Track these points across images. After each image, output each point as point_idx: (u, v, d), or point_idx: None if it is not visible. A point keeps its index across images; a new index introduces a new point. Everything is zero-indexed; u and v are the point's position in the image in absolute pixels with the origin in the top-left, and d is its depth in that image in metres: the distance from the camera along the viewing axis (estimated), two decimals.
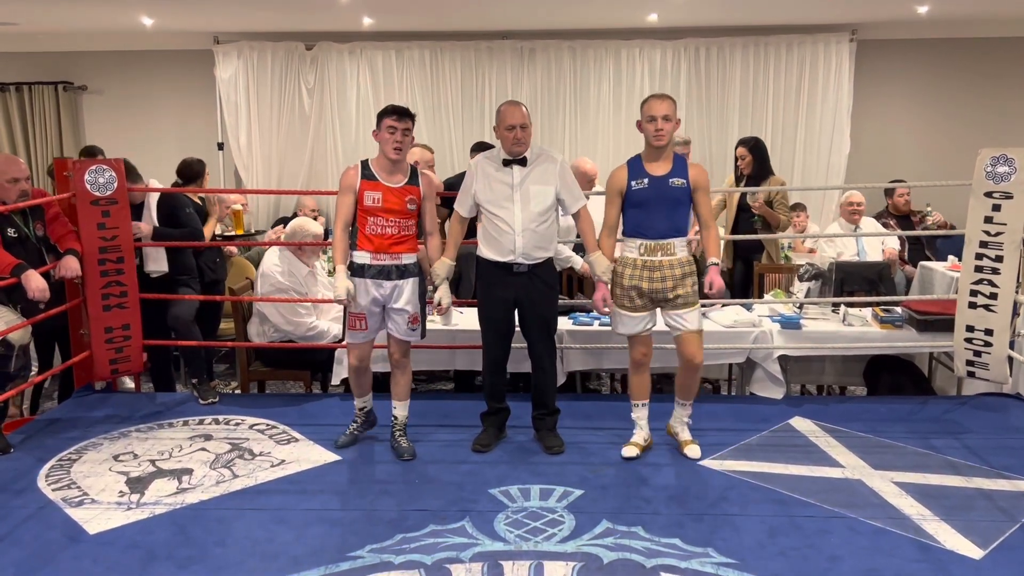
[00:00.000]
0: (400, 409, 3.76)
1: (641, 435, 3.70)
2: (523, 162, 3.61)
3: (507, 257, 3.61)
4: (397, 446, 3.70)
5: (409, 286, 3.58)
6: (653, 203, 3.46)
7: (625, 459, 3.60)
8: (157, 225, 4.52)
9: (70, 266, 4.05)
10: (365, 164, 3.57)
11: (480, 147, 6.58)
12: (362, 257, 3.54)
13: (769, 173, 5.54)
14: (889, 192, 6.22)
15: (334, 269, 3.68)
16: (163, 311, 4.59)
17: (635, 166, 3.53)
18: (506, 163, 3.62)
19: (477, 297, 3.84)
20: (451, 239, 3.74)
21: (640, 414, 3.71)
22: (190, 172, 5.30)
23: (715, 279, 3.45)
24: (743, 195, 5.43)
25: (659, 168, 3.49)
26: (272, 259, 4.68)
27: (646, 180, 3.47)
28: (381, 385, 3.99)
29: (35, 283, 3.71)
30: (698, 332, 3.53)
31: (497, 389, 3.86)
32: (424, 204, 3.62)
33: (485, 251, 3.67)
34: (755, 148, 5.57)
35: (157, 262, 4.53)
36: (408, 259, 3.58)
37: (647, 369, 3.67)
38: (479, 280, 3.80)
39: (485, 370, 3.84)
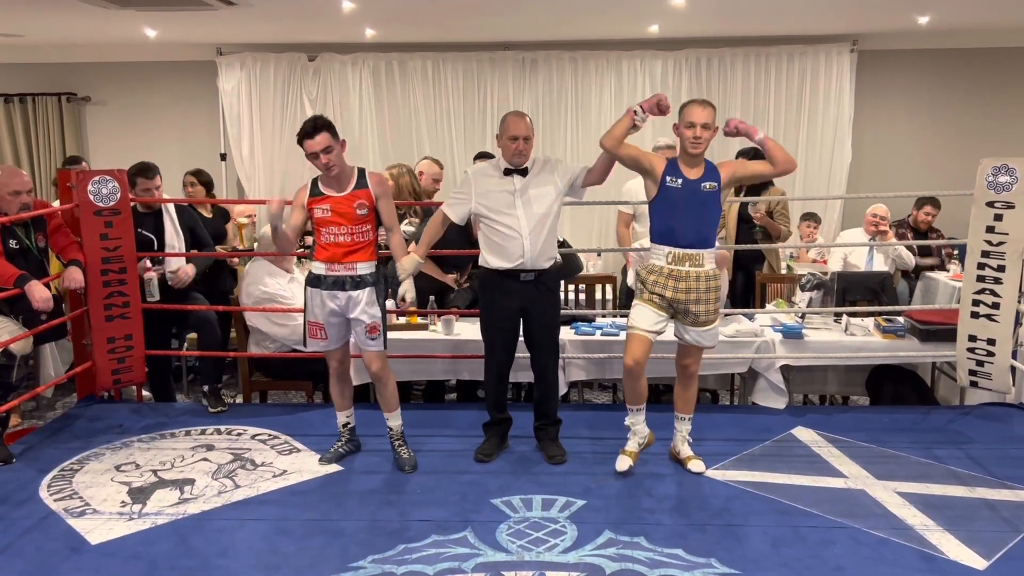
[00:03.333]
0: (393, 420, 3.71)
1: (635, 441, 3.63)
2: (524, 172, 3.63)
3: (516, 263, 3.57)
4: (398, 458, 3.69)
5: (364, 296, 3.51)
6: (683, 207, 3.38)
7: (618, 473, 3.53)
8: (183, 234, 4.61)
9: (74, 278, 4.06)
10: (315, 181, 3.54)
11: (483, 157, 6.61)
12: (318, 268, 3.52)
13: (768, 184, 5.55)
14: (919, 204, 6.21)
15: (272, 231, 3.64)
16: (171, 322, 4.60)
17: (672, 165, 3.43)
18: (507, 172, 3.62)
19: (480, 306, 3.78)
20: (425, 237, 3.69)
21: (633, 419, 3.60)
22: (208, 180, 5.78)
23: (734, 119, 3.50)
24: (744, 206, 5.43)
25: (693, 173, 3.41)
26: (252, 272, 4.65)
27: (680, 181, 3.39)
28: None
29: (39, 294, 3.72)
30: (710, 348, 3.56)
31: (501, 399, 3.84)
32: (378, 204, 3.54)
33: (490, 259, 3.64)
34: (755, 159, 5.57)
35: (185, 274, 4.56)
36: (363, 268, 3.51)
37: (640, 375, 3.54)
38: (483, 290, 3.75)
39: (489, 380, 3.81)
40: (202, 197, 5.77)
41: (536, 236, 3.58)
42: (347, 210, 3.46)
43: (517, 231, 3.56)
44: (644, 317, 3.45)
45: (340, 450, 3.77)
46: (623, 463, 3.56)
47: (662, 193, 3.41)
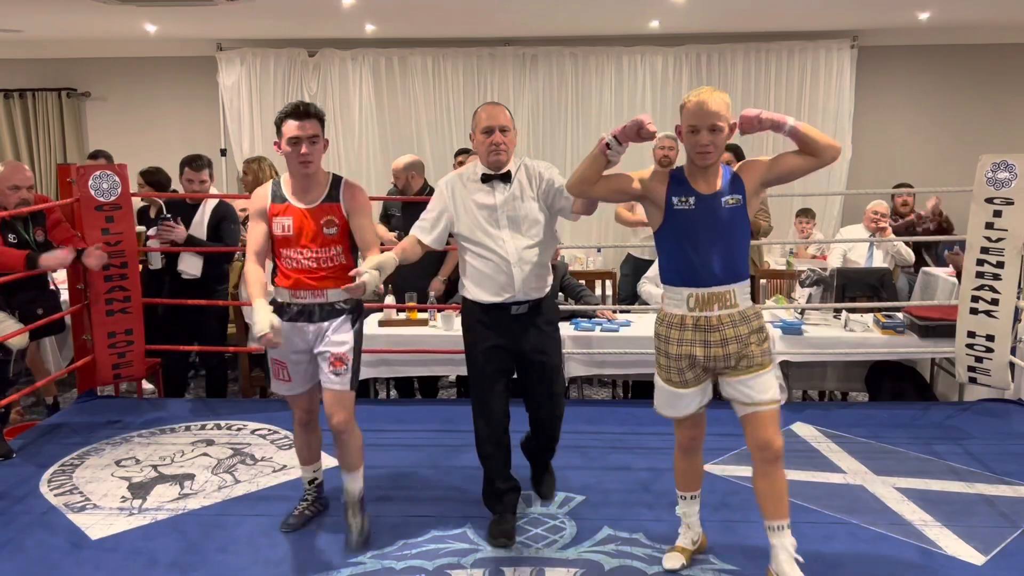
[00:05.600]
0: (353, 482, 2.95)
1: (688, 536, 2.84)
2: (506, 177, 2.91)
3: (503, 296, 2.89)
4: (349, 530, 2.94)
5: (336, 327, 2.87)
6: (703, 232, 2.52)
7: (668, 572, 2.76)
8: (206, 230, 4.57)
9: (98, 254, 4.03)
10: (277, 183, 2.91)
11: (465, 154, 6.57)
12: (280, 294, 2.88)
13: None
14: (895, 191, 6.26)
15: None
16: (189, 316, 4.61)
17: (678, 179, 2.56)
18: (485, 179, 2.91)
19: (465, 349, 3.03)
20: (398, 249, 2.89)
21: (687, 509, 2.83)
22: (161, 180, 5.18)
23: (752, 111, 2.50)
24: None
25: (707, 184, 2.53)
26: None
27: (692, 199, 2.53)
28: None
29: (54, 258, 3.81)
30: (774, 404, 2.57)
31: (502, 464, 3.06)
32: (352, 222, 2.86)
33: (473, 292, 2.93)
34: (739, 156, 5.54)
35: (191, 266, 4.55)
36: (336, 295, 2.84)
37: (698, 453, 2.79)
38: (465, 328, 3.02)
39: (483, 442, 3.01)
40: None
41: (526, 262, 2.88)
42: (311, 228, 2.82)
43: (503, 256, 2.87)
44: (673, 406, 2.67)
45: (306, 512, 3.12)
46: (673, 561, 2.77)
47: (670, 219, 2.57)
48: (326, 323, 2.86)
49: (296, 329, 2.86)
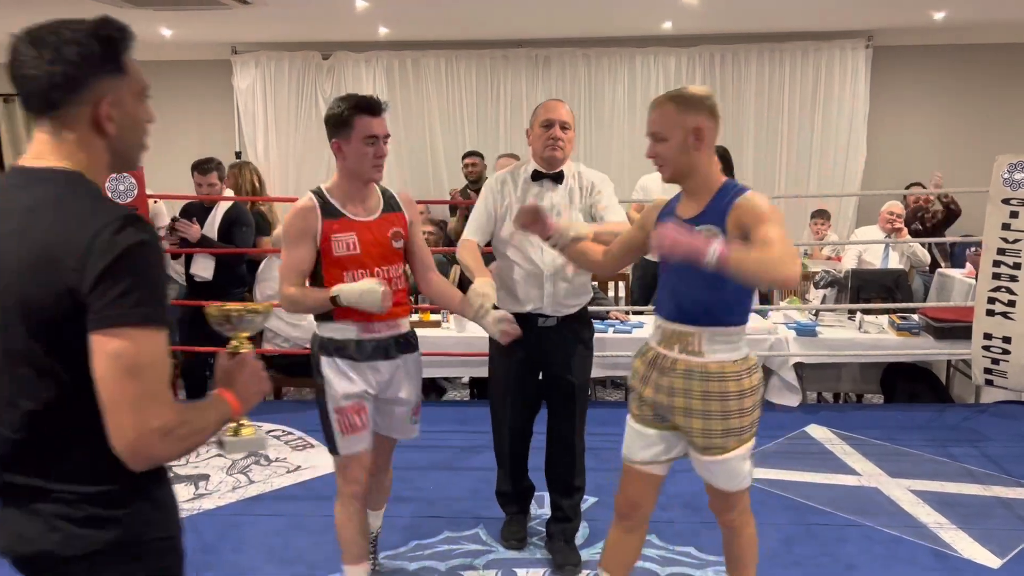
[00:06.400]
0: (377, 519, 2.80)
1: None
2: (558, 178, 2.72)
3: (527, 307, 2.73)
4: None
5: (412, 365, 2.51)
6: (675, 264, 2.02)
7: None
8: (216, 233, 4.59)
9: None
10: (321, 195, 2.38)
11: (472, 154, 6.53)
12: (345, 331, 2.37)
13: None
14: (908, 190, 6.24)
15: (331, 298, 2.30)
16: (204, 318, 4.66)
17: (670, 205, 2.25)
18: (536, 176, 2.73)
19: (489, 358, 2.93)
20: (475, 264, 2.65)
21: None
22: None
23: (663, 230, 1.82)
24: None
25: (689, 207, 2.14)
26: (267, 271, 4.67)
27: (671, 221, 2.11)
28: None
29: None
30: (739, 494, 2.23)
31: (518, 467, 3.01)
32: (414, 235, 2.52)
33: (501, 299, 2.73)
34: (724, 157, 5.51)
35: (203, 268, 4.58)
36: (405, 325, 2.48)
37: (637, 530, 2.31)
38: (492, 338, 2.71)
39: (503, 442, 2.95)
40: None
41: (561, 277, 2.69)
42: (380, 244, 2.39)
43: (538, 266, 2.70)
44: (630, 438, 2.26)
45: None
46: None
47: None
48: (401, 358, 2.45)
49: (371, 367, 2.40)
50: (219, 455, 3.80)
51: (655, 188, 5.39)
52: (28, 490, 1.25)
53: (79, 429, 1.21)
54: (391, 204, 2.45)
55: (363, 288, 2.24)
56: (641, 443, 2.22)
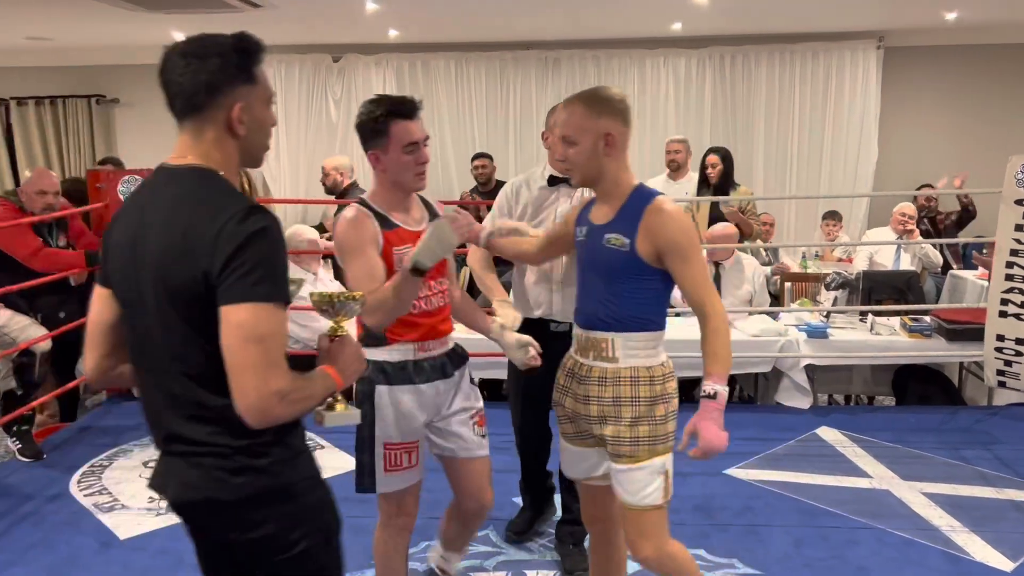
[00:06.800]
0: (457, 561, 2.63)
1: None
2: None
3: (536, 312, 2.69)
4: None
5: (465, 378, 2.36)
6: (588, 265, 2.13)
7: None
8: None
9: None
10: (368, 206, 2.19)
11: (482, 156, 6.58)
12: (401, 352, 2.20)
13: (733, 184, 5.43)
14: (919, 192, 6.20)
15: (412, 270, 2.05)
16: None
17: (586, 208, 2.18)
18: (552, 182, 2.69)
19: (508, 364, 2.76)
20: (490, 282, 2.67)
21: None
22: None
23: (704, 428, 1.89)
24: (715, 205, 5.26)
25: (602, 212, 2.10)
26: None
27: (586, 229, 2.13)
28: None
29: None
30: (640, 512, 2.04)
31: (538, 465, 3.02)
32: None
33: (516, 303, 2.73)
34: (726, 159, 5.48)
35: None
36: (453, 338, 2.35)
37: (608, 547, 2.31)
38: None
39: (522, 443, 2.99)
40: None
41: (571, 284, 2.48)
42: None
43: (546, 272, 2.66)
44: (563, 454, 2.27)
45: None
46: None
47: (576, 250, 2.21)
48: (456, 374, 2.30)
49: (433, 390, 2.24)
50: None
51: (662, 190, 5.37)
52: (189, 444, 1.46)
53: (225, 391, 1.35)
54: (433, 213, 2.28)
55: (431, 234, 1.96)
56: (571, 459, 2.23)
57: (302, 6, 5.91)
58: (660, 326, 2.09)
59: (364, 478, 2.23)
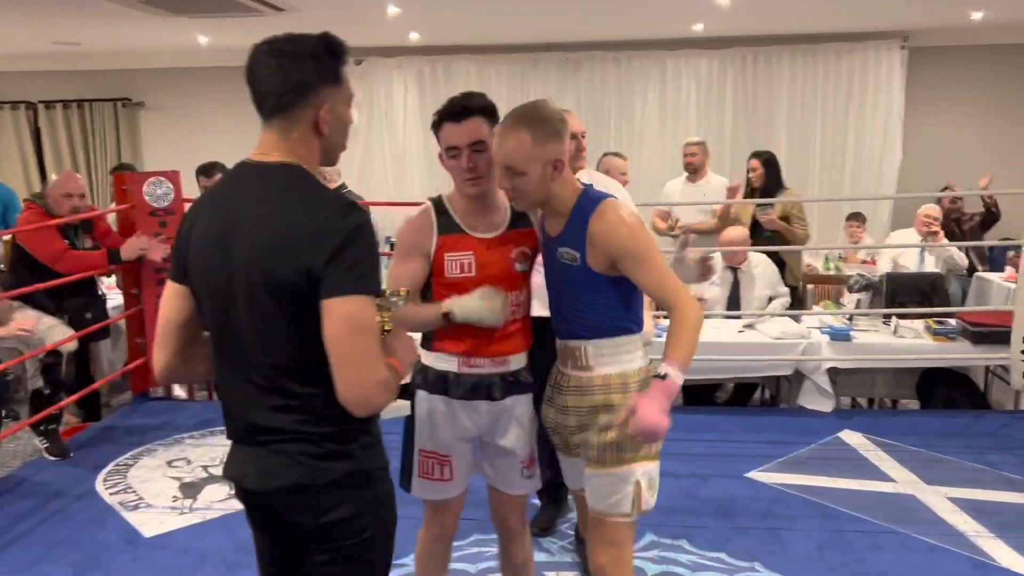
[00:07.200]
0: None
1: None
2: None
3: (544, 311, 2.36)
4: None
5: (523, 409, 2.16)
6: (552, 279, 2.08)
7: None
8: None
9: (161, 245, 4.29)
10: (440, 205, 2.11)
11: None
12: (445, 361, 2.09)
13: (781, 187, 5.38)
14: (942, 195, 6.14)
15: (444, 315, 2.01)
16: None
17: (543, 218, 2.11)
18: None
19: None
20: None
21: None
22: None
23: (642, 405, 1.79)
24: (756, 209, 5.23)
25: (553, 225, 2.04)
26: None
27: (543, 239, 2.10)
28: None
29: (129, 247, 4.17)
30: (616, 518, 2.00)
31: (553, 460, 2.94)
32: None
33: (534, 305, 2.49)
34: (768, 162, 5.44)
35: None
36: (518, 362, 2.14)
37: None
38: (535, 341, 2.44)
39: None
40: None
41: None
42: (499, 266, 2.07)
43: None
44: (565, 472, 2.25)
45: None
46: None
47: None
48: (509, 400, 2.12)
49: (468, 407, 2.10)
50: None
51: (675, 193, 5.38)
52: (274, 432, 1.47)
53: (316, 380, 1.40)
54: (520, 218, 2.11)
55: (480, 298, 1.96)
56: (564, 469, 2.22)
57: (324, 10, 5.95)
58: (633, 329, 2.02)
59: (403, 478, 2.17)
